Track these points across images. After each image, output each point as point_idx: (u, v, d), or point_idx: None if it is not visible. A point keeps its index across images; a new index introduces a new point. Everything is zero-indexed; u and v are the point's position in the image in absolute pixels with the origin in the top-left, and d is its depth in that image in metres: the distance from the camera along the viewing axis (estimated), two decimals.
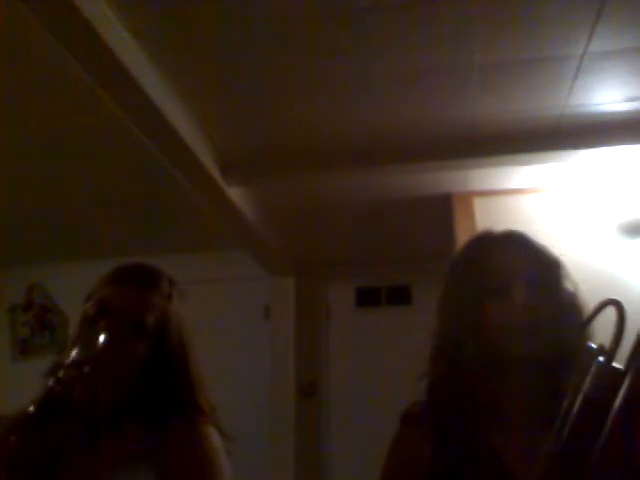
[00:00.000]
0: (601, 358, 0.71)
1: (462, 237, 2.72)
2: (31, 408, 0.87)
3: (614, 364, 0.70)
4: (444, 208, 2.90)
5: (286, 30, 1.87)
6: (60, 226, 3.46)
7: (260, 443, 3.43)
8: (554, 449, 0.68)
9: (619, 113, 2.29)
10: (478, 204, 2.83)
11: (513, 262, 0.99)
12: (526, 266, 0.98)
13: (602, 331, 0.84)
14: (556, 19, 1.81)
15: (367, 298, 3.93)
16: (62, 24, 1.59)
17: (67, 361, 0.92)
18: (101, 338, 0.98)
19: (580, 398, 0.69)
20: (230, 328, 3.74)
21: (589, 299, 1.00)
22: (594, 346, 0.73)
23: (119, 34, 1.77)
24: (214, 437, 1.10)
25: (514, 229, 1.06)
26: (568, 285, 0.99)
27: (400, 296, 3.87)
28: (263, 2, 1.75)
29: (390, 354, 3.67)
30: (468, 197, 2.85)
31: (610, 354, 0.70)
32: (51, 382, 0.88)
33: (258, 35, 1.88)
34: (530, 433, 0.92)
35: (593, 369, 0.70)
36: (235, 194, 2.70)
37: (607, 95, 2.20)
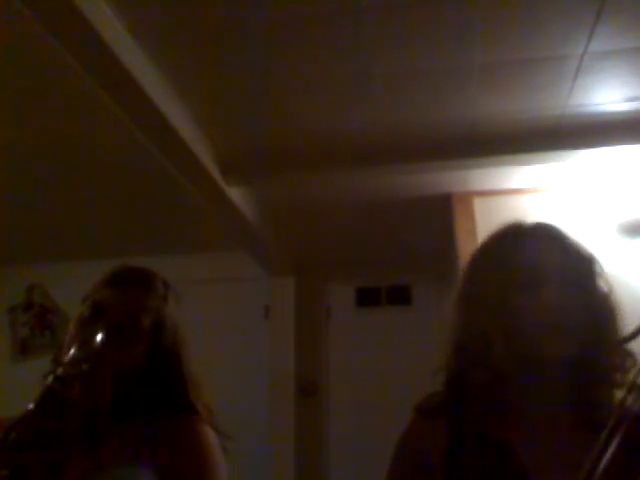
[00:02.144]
0: None
1: (462, 237, 2.72)
2: (30, 406, 0.88)
3: None
4: (444, 208, 2.90)
5: (286, 30, 1.87)
6: (60, 226, 3.46)
7: (260, 443, 3.43)
8: (598, 466, 0.66)
9: (619, 113, 2.29)
10: (478, 204, 2.83)
11: (544, 257, 0.93)
12: (558, 262, 0.93)
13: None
14: (556, 19, 1.81)
15: (367, 298, 3.93)
16: (62, 24, 1.59)
17: (65, 359, 0.93)
18: (98, 337, 0.99)
19: (629, 415, 0.66)
20: (230, 328, 3.74)
21: None
22: None
23: (119, 34, 1.77)
24: (209, 435, 1.11)
25: (545, 221, 1.00)
26: (602, 283, 0.94)
27: (400, 296, 3.87)
28: (263, 2, 1.75)
29: (390, 354, 3.67)
30: (468, 197, 2.84)
31: None
32: (50, 380, 0.89)
33: (258, 35, 1.88)
34: (551, 435, 0.89)
35: None
36: (235, 194, 2.70)
37: (607, 95, 2.20)
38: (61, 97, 2.21)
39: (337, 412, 3.73)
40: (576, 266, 0.94)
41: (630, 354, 0.74)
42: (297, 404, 3.67)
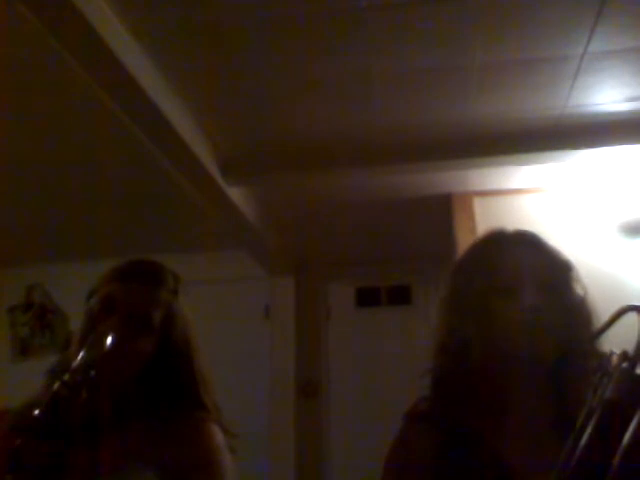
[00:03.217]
0: (624, 364, 0.69)
1: (462, 237, 2.72)
2: (37, 412, 0.86)
3: (638, 371, 0.69)
4: (444, 208, 2.90)
5: (286, 30, 1.87)
6: (60, 226, 3.46)
7: (260, 443, 3.43)
8: (572, 457, 0.67)
9: (619, 113, 2.29)
10: (478, 204, 2.83)
11: (523, 262, 0.98)
12: (536, 267, 0.98)
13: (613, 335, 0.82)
14: (556, 19, 1.81)
15: (367, 298, 3.93)
16: (62, 24, 1.59)
17: (73, 364, 0.91)
18: (108, 340, 0.97)
19: (601, 405, 0.68)
20: (230, 328, 3.74)
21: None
22: (617, 352, 0.71)
23: (119, 34, 1.77)
24: (217, 435, 1.10)
25: (525, 229, 1.05)
26: (578, 288, 0.99)
27: (400, 296, 3.87)
28: (263, 2, 1.75)
29: (390, 354, 3.67)
30: (468, 197, 2.85)
31: (634, 360, 0.69)
32: (57, 386, 0.87)
33: (258, 35, 1.88)
34: (533, 434, 0.92)
35: (616, 375, 0.68)
36: (235, 194, 2.69)
37: (607, 95, 2.20)
38: (61, 98, 2.21)
39: (337, 412, 3.73)
40: (553, 271, 0.98)
41: (604, 354, 0.75)
42: (297, 404, 3.67)
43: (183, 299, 1.18)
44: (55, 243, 3.70)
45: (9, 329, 4.04)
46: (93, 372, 0.91)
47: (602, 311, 0.94)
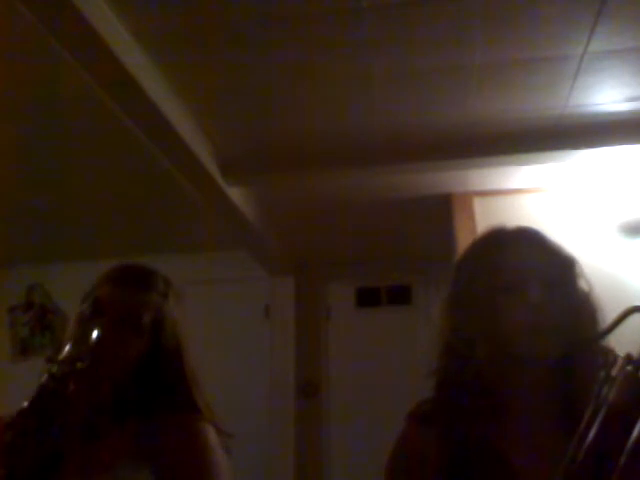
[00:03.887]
0: (628, 367, 0.69)
1: (462, 237, 2.72)
2: (24, 404, 0.88)
3: None
4: (444, 208, 2.90)
5: (286, 30, 1.87)
6: (60, 226, 3.46)
7: (260, 443, 3.43)
8: (576, 458, 0.67)
9: (619, 113, 2.29)
10: (478, 204, 2.83)
11: (527, 259, 0.97)
12: (540, 264, 0.96)
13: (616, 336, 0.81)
14: (556, 19, 1.81)
15: (367, 298, 3.93)
16: (62, 24, 1.59)
17: (60, 357, 0.93)
18: (94, 334, 0.98)
19: (605, 407, 0.67)
20: (230, 328, 3.74)
21: None
22: (621, 354, 0.71)
23: (119, 34, 1.77)
24: (210, 434, 1.11)
25: (527, 226, 1.03)
26: (582, 284, 0.97)
27: (400, 296, 3.87)
28: (263, 2, 1.75)
29: (390, 354, 3.67)
30: (468, 197, 2.85)
31: (638, 363, 0.68)
32: (44, 378, 0.88)
33: (258, 35, 1.88)
34: (538, 434, 0.91)
35: (620, 377, 0.68)
36: (235, 194, 2.70)
37: (607, 95, 2.20)
38: (61, 98, 2.21)
39: (337, 412, 3.73)
40: (557, 268, 0.97)
41: (610, 350, 0.75)
42: (297, 404, 3.67)
43: (175, 301, 1.19)
44: (55, 243, 3.71)
45: (9, 329, 4.04)
46: (80, 364, 0.92)
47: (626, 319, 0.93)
